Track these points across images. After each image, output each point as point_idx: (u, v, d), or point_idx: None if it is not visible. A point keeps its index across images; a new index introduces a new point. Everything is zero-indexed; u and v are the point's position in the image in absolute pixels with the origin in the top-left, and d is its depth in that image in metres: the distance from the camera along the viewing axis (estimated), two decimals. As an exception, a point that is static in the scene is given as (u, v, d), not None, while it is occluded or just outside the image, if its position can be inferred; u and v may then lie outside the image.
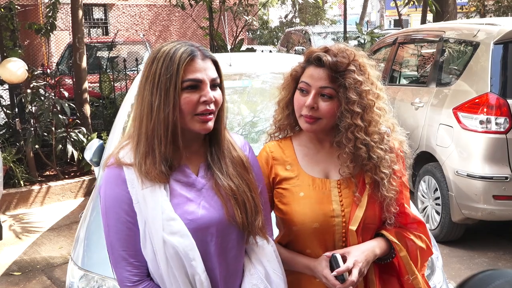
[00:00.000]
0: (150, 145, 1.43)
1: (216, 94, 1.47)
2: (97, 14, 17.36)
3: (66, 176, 6.36)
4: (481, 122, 4.18)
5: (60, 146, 6.12)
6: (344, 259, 1.58)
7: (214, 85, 1.47)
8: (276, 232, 1.72)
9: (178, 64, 1.41)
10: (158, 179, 1.43)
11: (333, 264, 1.57)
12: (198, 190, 1.50)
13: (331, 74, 1.61)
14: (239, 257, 1.54)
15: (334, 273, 1.55)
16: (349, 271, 1.55)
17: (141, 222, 1.44)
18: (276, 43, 17.21)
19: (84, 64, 6.84)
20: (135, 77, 4.14)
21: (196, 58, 1.44)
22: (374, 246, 1.64)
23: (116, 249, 1.46)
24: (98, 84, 7.78)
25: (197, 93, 1.43)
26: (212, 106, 1.45)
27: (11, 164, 5.90)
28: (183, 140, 1.46)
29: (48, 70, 7.10)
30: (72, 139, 6.14)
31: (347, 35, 10.95)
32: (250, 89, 3.78)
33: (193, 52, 1.44)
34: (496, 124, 4.11)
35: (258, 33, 19.42)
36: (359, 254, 1.58)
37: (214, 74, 1.47)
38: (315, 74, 1.63)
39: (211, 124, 1.46)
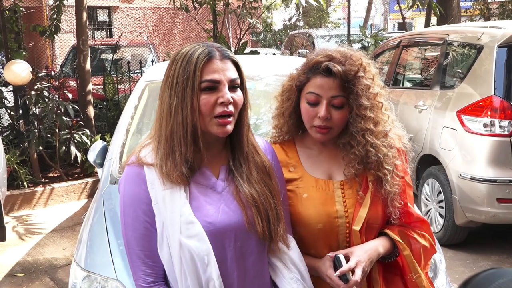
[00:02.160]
0: (170, 147, 1.42)
1: (236, 95, 1.44)
2: (102, 16, 17.42)
3: (70, 178, 6.37)
4: (485, 125, 4.17)
5: (64, 147, 6.13)
6: (347, 259, 1.58)
7: (233, 86, 1.44)
8: None
9: (195, 65, 1.39)
10: (179, 181, 1.41)
11: (336, 264, 1.57)
12: (218, 193, 1.48)
13: (342, 83, 1.60)
14: (261, 261, 1.52)
15: (337, 273, 1.55)
16: (352, 271, 1.55)
17: (159, 224, 1.42)
18: (279, 46, 17.23)
19: (88, 66, 6.86)
20: (139, 79, 4.15)
21: (213, 58, 1.42)
22: (377, 245, 1.64)
23: (132, 247, 1.46)
24: (102, 86, 7.80)
25: (215, 94, 1.41)
26: (230, 108, 1.41)
27: (15, 166, 5.92)
28: (204, 142, 1.44)
29: (52, 72, 7.12)
30: (76, 141, 6.15)
31: (351, 38, 10.95)
32: (253, 91, 3.79)
33: (211, 53, 1.42)
34: (500, 127, 4.10)
35: (262, 36, 19.46)
36: (362, 254, 1.58)
37: (234, 75, 1.44)
38: (325, 85, 1.61)
39: (230, 127, 1.43)
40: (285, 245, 1.53)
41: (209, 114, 1.41)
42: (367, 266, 1.59)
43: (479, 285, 0.84)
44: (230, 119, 1.43)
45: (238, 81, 1.46)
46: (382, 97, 1.68)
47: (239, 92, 1.46)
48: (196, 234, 1.39)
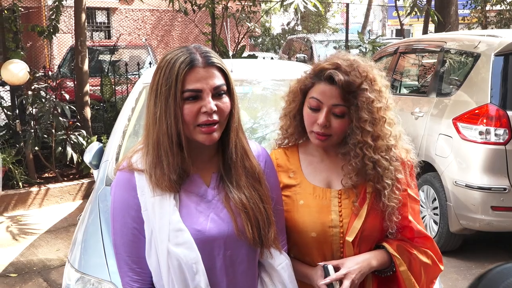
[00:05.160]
0: (157, 156, 1.41)
1: (221, 102, 1.41)
2: (100, 17, 17.41)
3: (65, 179, 6.36)
4: (480, 133, 4.18)
5: (60, 148, 6.13)
6: (337, 270, 1.56)
7: (219, 93, 1.41)
8: None
9: (177, 75, 1.37)
10: (168, 189, 1.40)
11: (326, 274, 1.57)
12: (208, 201, 1.46)
13: (344, 93, 1.58)
14: (251, 270, 1.50)
15: (323, 282, 1.54)
16: (341, 282, 1.54)
17: (147, 231, 1.42)
18: (278, 50, 17.24)
19: (85, 67, 6.86)
20: (136, 81, 4.15)
21: (196, 66, 1.38)
22: (370, 258, 1.61)
23: (120, 253, 1.45)
24: (99, 87, 7.80)
25: (197, 103, 1.38)
26: (215, 116, 1.39)
27: (10, 166, 5.91)
28: (192, 149, 1.43)
29: (50, 73, 7.11)
30: (72, 142, 6.15)
31: (349, 44, 10.98)
32: (250, 95, 3.79)
33: (193, 61, 1.38)
34: (496, 135, 4.12)
35: (260, 40, 19.45)
36: (352, 265, 1.56)
37: (218, 82, 1.40)
38: (327, 92, 1.60)
39: (216, 135, 1.41)
40: (278, 249, 1.52)
41: (192, 123, 1.39)
42: (357, 278, 1.56)
43: (494, 279, 0.83)
44: (215, 126, 1.40)
45: (224, 87, 1.42)
46: (388, 111, 1.65)
47: (225, 99, 1.42)
48: (184, 242, 1.37)
